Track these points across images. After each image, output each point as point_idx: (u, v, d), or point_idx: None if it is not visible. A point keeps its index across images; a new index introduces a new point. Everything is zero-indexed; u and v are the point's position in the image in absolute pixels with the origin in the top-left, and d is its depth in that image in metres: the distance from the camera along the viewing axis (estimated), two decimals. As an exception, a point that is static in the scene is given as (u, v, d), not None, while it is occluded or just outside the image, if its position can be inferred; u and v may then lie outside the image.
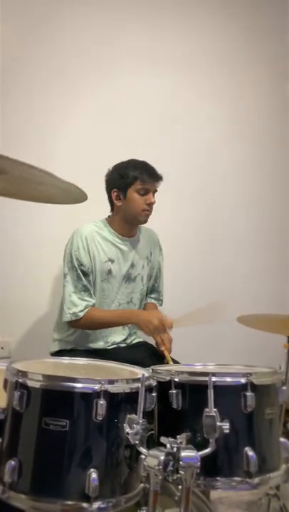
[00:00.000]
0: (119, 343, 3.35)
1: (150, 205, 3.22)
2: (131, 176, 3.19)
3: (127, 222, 3.30)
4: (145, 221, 3.31)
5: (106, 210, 3.37)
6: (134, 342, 3.44)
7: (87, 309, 3.11)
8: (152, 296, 3.65)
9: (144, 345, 3.44)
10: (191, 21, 4.35)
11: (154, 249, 3.55)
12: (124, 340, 3.38)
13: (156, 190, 3.26)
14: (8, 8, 3.73)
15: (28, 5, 3.85)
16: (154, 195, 3.24)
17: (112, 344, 3.32)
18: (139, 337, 3.49)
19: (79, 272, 3.13)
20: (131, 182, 3.19)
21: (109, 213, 3.38)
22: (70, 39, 3.98)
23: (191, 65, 4.32)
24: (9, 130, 3.63)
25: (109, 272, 3.23)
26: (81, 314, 3.09)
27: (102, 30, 4.06)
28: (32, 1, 3.88)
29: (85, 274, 3.15)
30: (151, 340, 3.36)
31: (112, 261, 3.24)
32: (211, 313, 3.07)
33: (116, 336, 3.33)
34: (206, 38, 4.39)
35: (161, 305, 3.69)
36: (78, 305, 3.10)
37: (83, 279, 3.13)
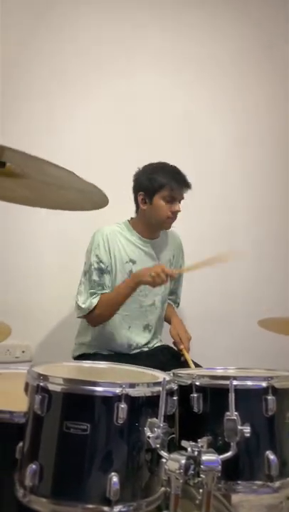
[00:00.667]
0: (142, 346, 3.34)
1: (175, 213, 3.20)
2: (159, 181, 3.16)
3: (150, 226, 3.29)
4: (168, 228, 3.30)
5: (123, 215, 3.38)
6: (156, 346, 3.43)
7: (98, 297, 3.11)
8: (170, 297, 3.65)
9: (166, 349, 3.44)
10: (192, 20, 4.34)
11: (177, 252, 3.54)
12: (147, 344, 3.37)
13: (182, 198, 3.23)
14: (9, 8, 3.75)
15: (28, 5, 3.86)
16: (180, 203, 3.22)
17: (136, 348, 3.31)
18: (160, 341, 3.49)
19: (94, 268, 3.14)
20: (158, 188, 3.16)
21: (130, 216, 3.38)
22: (71, 39, 3.98)
23: (193, 65, 4.30)
24: (9, 131, 3.64)
25: (131, 272, 3.21)
26: (95, 301, 3.10)
27: (103, 30, 4.06)
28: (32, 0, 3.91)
29: (103, 271, 3.15)
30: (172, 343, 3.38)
31: (133, 262, 3.24)
32: (216, 262, 3.04)
33: (138, 338, 3.32)
34: (209, 37, 4.37)
35: (177, 307, 3.71)
36: (90, 297, 3.11)
37: (99, 276, 3.14)
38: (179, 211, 3.21)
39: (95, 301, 3.09)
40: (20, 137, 3.59)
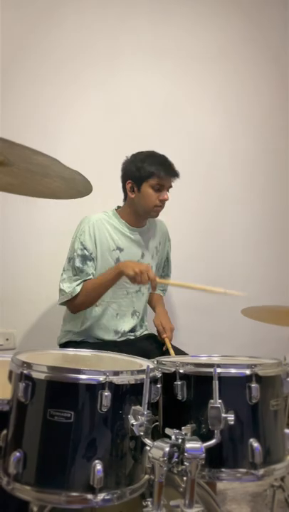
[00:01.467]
0: (128, 333, 3.34)
1: (163, 201, 3.20)
2: (148, 170, 3.15)
3: (138, 214, 3.29)
4: (156, 216, 3.30)
5: (111, 204, 3.37)
6: (142, 334, 3.45)
7: (81, 284, 3.10)
8: (159, 287, 3.66)
9: (151, 337, 3.45)
10: (193, 16, 4.34)
11: (163, 239, 3.55)
12: (133, 330, 3.38)
13: (170, 187, 3.23)
14: (7, 4, 3.74)
15: (26, 2, 3.86)
16: (168, 192, 3.21)
17: (122, 335, 3.31)
18: (147, 329, 3.50)
19: (78, 255, 3.13)
20: (147, 176, 3.15)
21: (118, 204, 3.38)
22: (74, 32, 3.97)
23: (194, 60, 4.31)
24: (10, 123, 3.63)
25: (118, 260, 3.21)
26: (78, 289, 3.08)
27: (105, 25, 4.06)
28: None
29: (87, 258, 3.14)
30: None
31: (120, 249, 3.24)
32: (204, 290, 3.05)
33: (125, 325, 3.32)
34: (209, 32, 4.37)
35: (164, 294, 3.72)
36: (73, 283, 3.10)
37: (82, 263, 3.12)
38: (167, 199, 3.20)
39: (78, 288, 3.08)
40: (22, 131, 3.61)
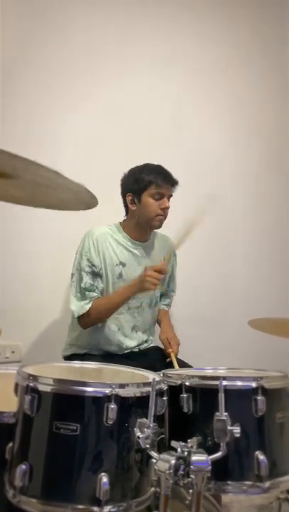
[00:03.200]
0: (133, 348, 3.34)
1: (165, 209, 3.20)
2: (146, 180, 3.17)
3: (141, 226, 3.29)
4: (159, 226, 3.29)
5: (118, 214, 3.38)
6: (146, 347, 3.44)
7: (92, 301, 3.12)
8: (164, 302, 3.68)
9: (156, 349, 3.44)
10: (201, 26, 4.36)
11: (168, 253, 3.49)
12: (138, 345, 3.37)
13: (171, 195, 3.23)
14: (8, 7, 3.75)
15: (27, 5, 3.89)
16: (169, 200, 3.22)
17: (126, 349, 3.31)
18: (151, 342, 3.49)
19: (85, 272, 3.14)
20: (145, 186, 3.16)
21: (123, 217, 3.38)
22: (79, 39, 3.99)
23: (200, 68, 4.31)
24: (10, 131, 3.64)
25: (120, 275, 3.22)
26: (87, 307, 3.11)
27: (111, 31, 4.08)
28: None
29: (97, 274, 3.16)
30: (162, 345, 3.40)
31: (123, 264, 3.23)
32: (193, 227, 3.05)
33: (128, 340, 3.32)
34: (216, 42, 4.38)
35: (168, 309, 3.74)
36: (83, 301, 3.12)
37: (93, 280, 3.14)
38: (168, 207, 3.21)
39: (87, 306, 3.11)
40: (16, 138, 3.60)
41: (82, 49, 4.00)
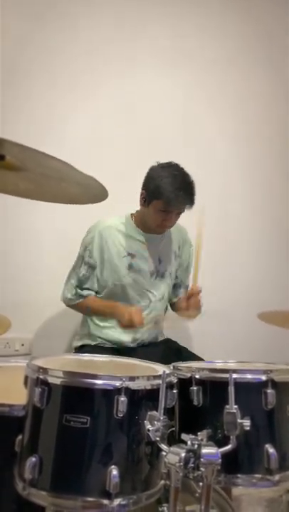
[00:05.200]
0: (145, 340, 3.33)
1: (167, 223, 3.18)
2: (160, 192, 3.04)
3: (146, 224, 3.26)
4: (161, 233, 3.28)
5: (126, 209, 3.38)
6: (158, 340, 3.44)
7: (80, 299, 3.20)
8: (178, 294, 3.58)
9: (167, 342, 3.44)
10: (207, 25, 4.34)
11: (183, 244, 3.49)
12: (150, 338, 3.36)
13: (181, 212, 3.15)
14: (10, 3, 3.76)
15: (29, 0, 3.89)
16: (178, 216, 3.17)
17: (138, 341, 3.30)
18: (163, 335, 3.48)
19: (85, 262, 3.18)
20: (156, 197, 3.07)
21: (125, 207, 3.37)
22: (85, 37, 3.98)
23: (193, 62, 4.28)
24: (13, 130, 3.63)
25: (130, 266, 3.21)
26: (73, 303, 3.24)
27: (115, 29, 4.06)
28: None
29: (91, 266, 3.18)
30: (174, 336, 3.41)
31: (132, 256, 3.22)
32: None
33: (140, 335, 3.30)
34: (208, 34, 4.36)
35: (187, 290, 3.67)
36: (72, 291, 3.21)
37: (87, 270, 3.18)
38: (172, 225, 3.20)
39: (74, 298, 3.23)
40: (21, 132, 3.59)
41: (85, 48, 3.98)
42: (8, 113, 3.71)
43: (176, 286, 3.54)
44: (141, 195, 3.18)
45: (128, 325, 3.00)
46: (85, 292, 3.20)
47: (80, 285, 3.20)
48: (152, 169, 3.17)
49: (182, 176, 3.09)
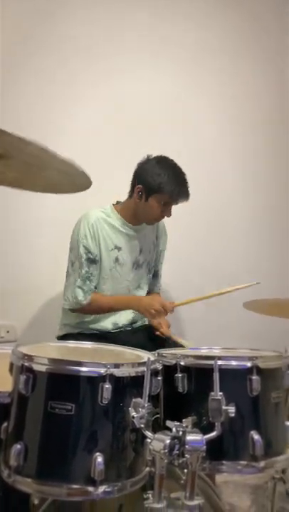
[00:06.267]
0: (126, 325, 3.37)
1: (165, 216, 3.23)
2: (163, 187, 3.10)
3: (137, 216, 3.27)
4: (152, 224, 3.35)
5: (110, 198, 3.38)
6: (139, 325, 3.46)
7: (90, 296, 3.14)
8: (156, 283, 3.66)
9: (147, 329, 3.44)
10: (197, 14, 4.36)
11: (160, 234, 3.54)
12: (131, 323, 3.39)
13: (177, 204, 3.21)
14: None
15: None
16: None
17: (119, 328, 3.33)
18: (144, 321, 3.49)
19: (85, 259, 3.14)
20: (159, 191, 3.12)
21: (117, 199, 3.37)
22: (78, 28, 3.99)
23: (196, 58, 4.33)
24: (11, 119, 3.61)
25: (116, 259, 3.23)
26: (84, 302, 3.13)
27: (109, 21, 4.08)
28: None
29: (92, 261, 3.16)
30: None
31: (118, 248, 3.24)
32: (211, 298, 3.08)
33: (122, 319, 3.35)
34: (212, 30, 4.38)
35: (159, 291, 3.71)
36: (81, 293, 3.13)
37: (89, 267, 3.15)
38: (170, 216, 3.24)
39: (83, 299, 3.14)
40: (17, 124, 3.58)
41: (83, 42, 4.00)
42: (5, 105, 3.70)
43: (153, 276, 3.58)
44: (137, 189, 3.19)
45: (159, 312, 3.05)
46: (92, 289, 3.19)
47: (85, 284, 3.16)
48: (147, 163, 3.21)
49: (179, 169, 3.18)
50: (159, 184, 3.10)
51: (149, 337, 3.34)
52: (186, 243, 3.68)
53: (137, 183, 3.20)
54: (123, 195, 3.35)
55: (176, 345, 3.12)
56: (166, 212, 3.19)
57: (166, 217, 3.28)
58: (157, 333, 3.30)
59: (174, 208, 3.24)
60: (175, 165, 3.20)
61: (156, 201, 3.14)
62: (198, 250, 4.10)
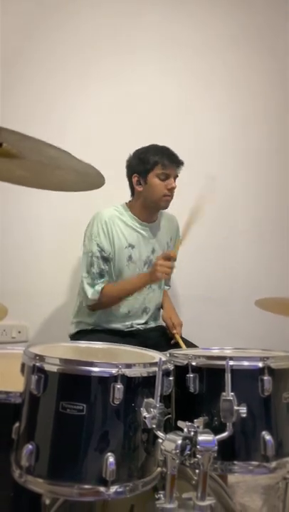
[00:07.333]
0: (139, 325, 3.37)
1: (171, 190, 3.20)
2: (152, 160, 3.17)
3: (148, 207, 3.29)
4: (166, 207, 3.30)
5: (124, 196, 3.38)
6: (151, 326, 3.45)
7: (101, 289, 3.14)
8: (165, 282, 3.66)
9: (159, 329, 3.46)
10: (202, 13, 4.35)
11: (174, 235, 3.53)
12: (144, 323, 3.40)
13: (177, 176, 3.24)
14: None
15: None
16: (174, 180, 3.22)
17: (131, 327, 3.33)
18: (156, 321, 3.50)
19: (96, 257, 3.15)
20: (152, 167, 3.17)
21: (129, 198, 3.38)
22: (83, 26, 3.98)
23: (189, 49, 4.29)
24: (13, 116, 3.62)
25: (130, 257, 3.24)
26: (97, 296, 3.13)
27: (114, 19, 4.07)
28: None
29: (106, 259, 3.17)
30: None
31: (132, 246, 3.25)
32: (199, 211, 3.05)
33: (136, 320, 3.35)
34: (205, 22, 4.36)
35: (168, 289, 3.75)
36: (92, 289, 3.14)
37: (101, 264, 3.16)
38: (175, 187, 3.21)
39: (97, 295, 3.15)
40: (19, 120, 3.59)
41: (88, 35, 4.00)
42: (8, 101, 3.70)
43: None
44: (133, 179, 3.27)
45: (167, 265, 3.00)
46: (102, 280, 3.19)
47: (98, 281, 3.18)
48: (130, 157, 3.34)
49: (156, 144, 3.31)
50: (147, 160, 3.19)
51: (161, 337, 3.35)
52: (186, 243, 3.68)
53: (132, 174, 3.28)
54: (126, 195, 3.38)
55: (192, 345, 3.13)
56: (169, 184, 3.19)
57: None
58: (173, 332, 3.30)
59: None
60: (152, 144, 3.30)
61: (155, 176, 3.19)
62: (199, 250, 4.09)
